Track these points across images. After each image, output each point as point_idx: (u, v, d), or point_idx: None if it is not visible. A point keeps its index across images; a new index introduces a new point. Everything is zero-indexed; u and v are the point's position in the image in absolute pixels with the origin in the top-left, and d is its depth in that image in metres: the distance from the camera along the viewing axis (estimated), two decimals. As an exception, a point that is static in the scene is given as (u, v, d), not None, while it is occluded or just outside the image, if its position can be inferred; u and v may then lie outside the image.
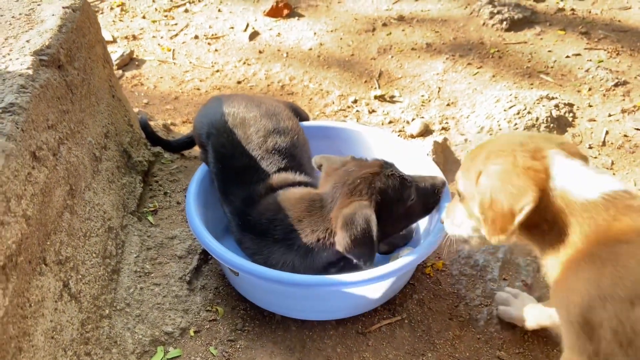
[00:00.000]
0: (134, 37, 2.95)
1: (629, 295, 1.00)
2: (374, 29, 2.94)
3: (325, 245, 1.45)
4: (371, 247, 1.39)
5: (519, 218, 1.12)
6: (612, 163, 2.09)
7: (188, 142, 2.06)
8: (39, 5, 1.61)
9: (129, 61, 2.76)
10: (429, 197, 1.54)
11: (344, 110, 2.42)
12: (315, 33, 2.92)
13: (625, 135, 2.21)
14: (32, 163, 1.21)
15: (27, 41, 1.43)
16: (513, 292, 1.59)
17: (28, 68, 1.32)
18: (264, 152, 1.62)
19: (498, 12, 2.85)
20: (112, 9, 3.18)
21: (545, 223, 1.14)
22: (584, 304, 1.05)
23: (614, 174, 2.05)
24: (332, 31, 2.93)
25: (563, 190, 1.12)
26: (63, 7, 1.58)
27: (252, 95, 2.46)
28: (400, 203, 1.48)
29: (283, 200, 1.52)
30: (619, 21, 2.93)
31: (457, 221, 1.34)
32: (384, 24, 2.96)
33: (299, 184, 1.59)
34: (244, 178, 1.59)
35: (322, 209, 1.47)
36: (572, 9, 3.01)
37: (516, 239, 1.21)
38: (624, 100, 2.40)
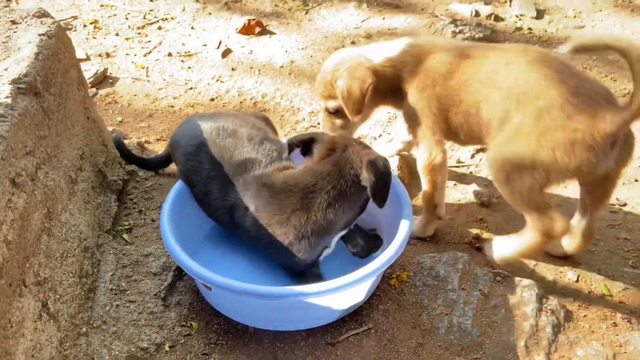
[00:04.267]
0: (108, 55, 2.99)
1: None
2: (342, 47, 3.04)
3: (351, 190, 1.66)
4: (388, 187, 1.65)
5: (367, 95, 1.79)
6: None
7: (163, 160, 2.12)
8: (15, 32, 1.66)
9: (103, 79, 2.80)
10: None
11: (315, 126, 2.52)
12: (286, 50, 3.01)
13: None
14: (11, 189, 1.27)
15: (5, 69, 1.48)
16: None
17: (7, 97, 1.37)
18: (263, 149, 1.77)
19: (460, 32, 2.99)
20: (85, 26, 3.22)
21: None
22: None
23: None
24: (302, 49, 3.02)
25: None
26: (39, 35, 1.64)
27: (229, 112, 2.53)
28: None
29: (304, 168, 1.72)
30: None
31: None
32: (352, 42, 3.07)
33: None
34: (248, 167, 1.72)
35: (344, 162, 1.66)
36: (529, 28, 3.17)
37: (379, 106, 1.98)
38: (577, 116, 2.55)
